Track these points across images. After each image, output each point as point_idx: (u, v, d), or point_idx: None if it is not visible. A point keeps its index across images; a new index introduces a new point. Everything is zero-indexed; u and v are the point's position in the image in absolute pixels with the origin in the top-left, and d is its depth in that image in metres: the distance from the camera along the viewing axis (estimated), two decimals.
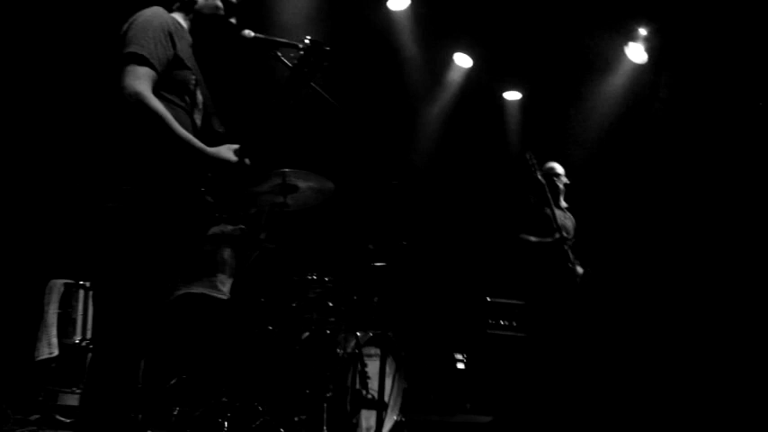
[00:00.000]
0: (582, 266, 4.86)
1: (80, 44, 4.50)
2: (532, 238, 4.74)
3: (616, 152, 6.47)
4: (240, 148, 2.43)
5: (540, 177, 4.81)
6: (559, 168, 5.05)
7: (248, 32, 2.69)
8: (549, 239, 4.69)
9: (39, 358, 4.07)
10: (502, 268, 6.10)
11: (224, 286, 4.59)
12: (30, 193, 4.62)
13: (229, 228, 4.69)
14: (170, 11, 2.58)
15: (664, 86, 6.23)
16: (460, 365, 6.53)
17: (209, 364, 4.17)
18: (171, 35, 2.42)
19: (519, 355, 5.94)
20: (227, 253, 4.59)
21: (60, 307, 4.20)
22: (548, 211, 4.75)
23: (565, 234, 4.75)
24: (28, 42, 4.57)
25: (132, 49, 2.31)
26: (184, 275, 4.34)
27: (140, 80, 2.28)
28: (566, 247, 4.69)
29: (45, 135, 4.65)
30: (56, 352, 4.09)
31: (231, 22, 2.65)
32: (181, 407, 4.11)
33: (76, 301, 4.26)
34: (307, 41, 2.50)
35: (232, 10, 2.66)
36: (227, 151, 2.43)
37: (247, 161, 2.41)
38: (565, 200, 5.08)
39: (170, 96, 2.42)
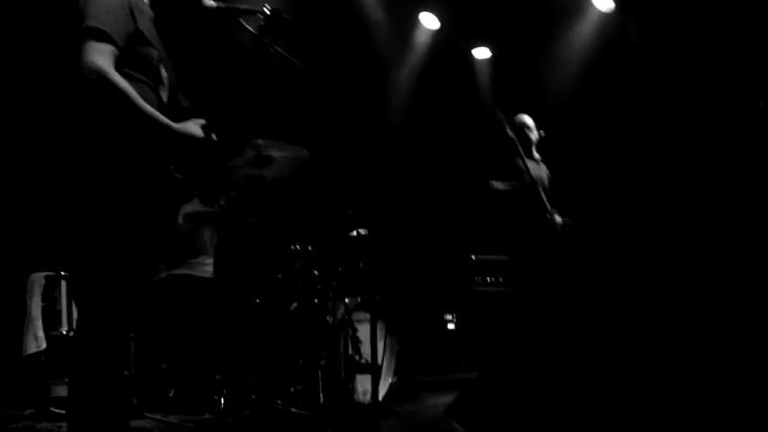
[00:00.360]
0: (561, 216, 4.89)
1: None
2: (502, 185, 4.74)
3: (590, 101, 6.49)
4: (207, 123, 2.39)
5: (510, 133, 4.78)
6: (530, 121, 5.02)
7: (210, 2, 2.62)
8: (518, 184, 4.67)
9: (27, 353, 4.04)
10: (484, 225, 6.12)
11: (207, 265, 4.57)
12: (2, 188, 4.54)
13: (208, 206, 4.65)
14: None
15: (632, 32, 6.23)
16: (451, 325, 6.59)
17: (200, 343, 4.16)
18: (131, 9, 2.34)
19: (506, 311, 6.01)
20: (207, 232, 4.56)
21: (43, 300, 4.15)
22: (519, 161, 4.74)
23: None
24: None
25: (91, 23, 2.22)
26: (166, 257, 4.32)
27: (101, 56, 2.19)
28: (540, 194, 4.70)
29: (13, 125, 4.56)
30: (43, 345, 4.05)
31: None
32: (176, 388, 4.12)
33: (59, 292, 4.22)
34: (266, 10, 2.46)
35: None
36: (193, 126, 2.39)
37: (214, 136, 2.37)
38: (538, 152, 5.09)
39: (133, 73, 2.33)
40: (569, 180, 5.51)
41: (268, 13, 2.47)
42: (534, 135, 5.00)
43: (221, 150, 2.46)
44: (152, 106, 2.33)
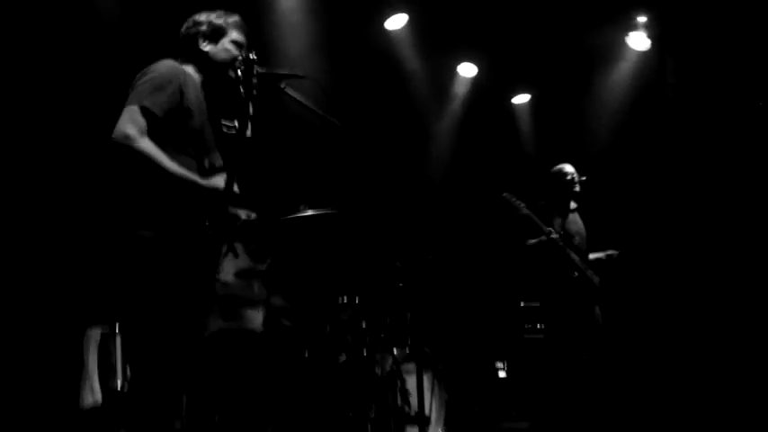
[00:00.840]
0: (592, 270, 4.89)
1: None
2: (532, 241, 4.81)
3: (633, 143, 6.45)
4: (228, 176, 2.49)
5: (524, 211, 4.79)
6: (570, 169, 5.03)
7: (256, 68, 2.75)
8: (543, 238, 4.74)
9: (83, 406, 4.14)
10: (531, 272, 6.09)
11: (256, 320, 4.65)
12: (63, 248, 4.72)
13: (258, 263, 4.75)
14: (179, 61, 2.67)
15: (671, 71, 6.22)
16: (501, 373, 6.50)
17: (251, 396, 4.21)
18: (181, 87, 2.52)
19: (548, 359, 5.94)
20: (256, 286, 4.65)
21: (99, 355, 4.27)
22: (540, 224, 4.76)
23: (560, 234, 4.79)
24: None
25: (136, 98, 2.43)
26: (216, 312, 4.41)
27: (131, 125, 2.38)
28: (561, 245, 4.70)
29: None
30: (99, 398, 4.15)
31: (252, 59, 2.71)
32: None
33: (114, 347, 4.33)
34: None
35: (242, 48, 2.74)
36: (219, 180, 2.52)
37: (236, 188, 2.48)
38: (577, 200, 5.09)
39: (179, 146, 2.50)
40: (610, 222, 5.48)
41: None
42: (575, 182, 4.97)
43: (245, 200, 2.58)
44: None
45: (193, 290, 2.51)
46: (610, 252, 5.03)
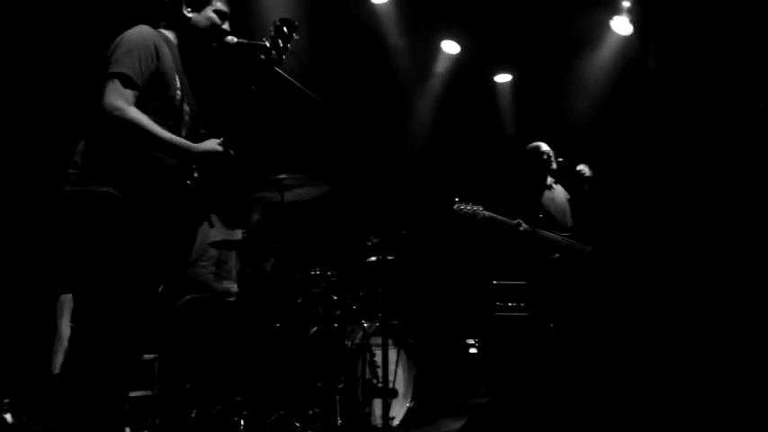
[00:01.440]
0: (576, 241, 4.94)
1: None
2: (551, 236, 4.80)
3: (611, 126, 6.51)
4: (223, 140, 2.54)
5: (484, 215, 4.75)
6: (546, 148, 5.07)
7: (231, 38, 2.75)
8: (561, 239, 4.80)
9: (56, 371, 4.16)
10: (505, 251, 6.15)
11: (230, 290, 4.68)
12: (34, 211, 4.72)
13: (233, 233, 4.77)
14: (156, 27, 2.65)
15: (653, 57, 6.26)
16: (473, 350, 6.60)
17: (222, 365, 4.25)
18: (156, 52, 2.52)
19: (526, 336, 6.02)
20: (231, 258, 4.67)
21: (72, 320, 4.28)
22: (501, 220, 4.76)
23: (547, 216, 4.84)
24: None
25: (116, 68, 2.42)
26: (190, 282, 4.43)
27: (120, 96, 2.39)
28: (531, 232, 4.75)
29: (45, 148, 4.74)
30: None
31: (225, 31, 2.71)
32: (198, 408, 4.21)
33: None
34: (276, 22, 2.64)
35: (224, 19, 2.74)
36: (211, 143, 2.54)
37: (231, 151, 2.52)
38: (556, 176, 5.13)
39: (155, 113, 2.50)
40: (588, 204, 5.54)
41: (278, 23, 2.65)
42: (552, 162, 5.03)
43: (240, 165, 2.59)
44: None
45: (166, 253, 2.55)
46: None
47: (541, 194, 5.01)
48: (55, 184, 2.56)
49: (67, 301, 4.36)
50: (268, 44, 2.68)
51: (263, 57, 2.76)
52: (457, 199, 4.71)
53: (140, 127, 2.41)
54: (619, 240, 5.84)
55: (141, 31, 2.55)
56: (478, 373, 6.51)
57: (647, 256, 5.96)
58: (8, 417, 3.83)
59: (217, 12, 2.71)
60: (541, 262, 4.86)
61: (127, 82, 2.42)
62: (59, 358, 4.24)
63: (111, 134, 2.44)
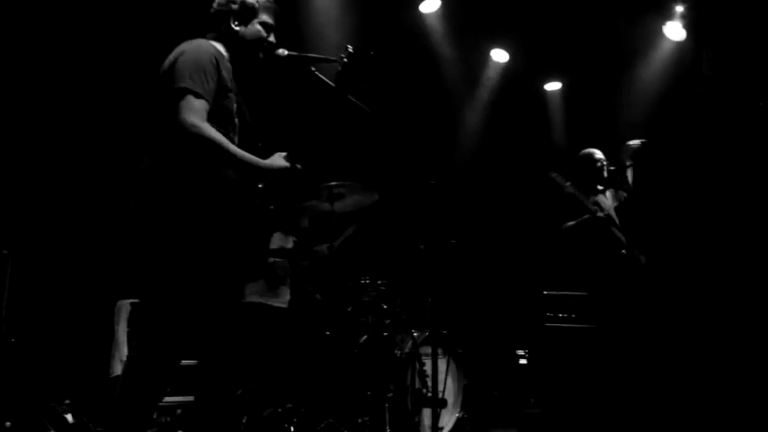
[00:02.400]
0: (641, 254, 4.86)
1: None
2: (571, 223, 4.77)
3: (663, 132, 6.37)
4: (289, 154, 2.58)
5: (569, 189, 4.75)
6: (599, 154, 5.01)
7: (282, 51, 2.79)
8: (588, 216, 4.71)
9: (113, 375, 4.28)
10: (556, 260, 6.08)
11: (284, 296, 4.74)
12: (96, 223, 4.89)
13: (288, 240, 4.84)
14: (208, 38, 2.71)
15: (707, 63, 6.12)
16: (522, 360, 6.53)
17: (273, 372, 4.31)
18: (217, 66, 2.58)
19: (580, 348, 5.92)
20: (284, 264, 4.73)
21: (129, 326, 4.40)
22: (586, 202, 4.73)
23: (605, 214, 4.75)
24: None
25: (185, 84, 2.48)
26: (245, 287, 4.51)
27: (196, 113, 2.45)
28: (612, 229, 4.69)
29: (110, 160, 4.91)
30: None
31: (272, 43, 2.76)
32: (248, 415, 4.27)
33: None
34: (350, 50, 2.64)
35: (270, 31, 2.78)
36: (278, 159, 2.59)
37: (298, 165, 2.56)
38: (608, 184, 5.07)
39: (217, 126, 2.55)
40: (644, 212, 5.44)
41: (351, 51, 2.65)
42: (603, 168, 4.96)
43: (305, 180, 2.64)
44: None
45: (240, 264, 2.65)
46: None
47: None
48: (119, 196, 2.64)
49: (124, 306, 4.49)
50: (339, 67, 2.69)
51: (313, 69, 2.81)
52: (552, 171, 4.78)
53: (216, 143, 2.47)
54: (674, 250, 5.71)
55: (202, 46, 2.62)
56: (528, 384, 6.43)
57: (703, 267, 5.81)
58: (69, 417, 3.96)
59: (263, 24, 2.75)
60: (607, 261, 4.77)
61: (198, 98, 2.48)
62: (116, 362, 4.36)
63: (187, 150, 2.49)
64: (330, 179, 3.86)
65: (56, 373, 4.37)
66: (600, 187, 5.02)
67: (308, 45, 2.89)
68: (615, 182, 5.09)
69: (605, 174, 4.99)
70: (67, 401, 4.07)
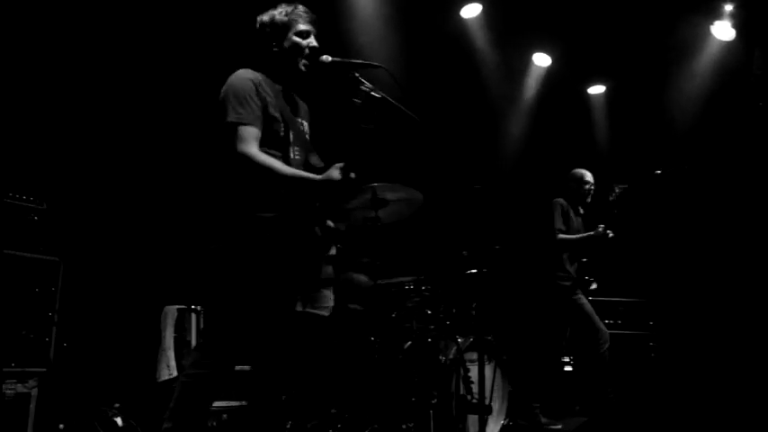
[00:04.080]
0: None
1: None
2: (570, 237, 5.08)
3: (714, 137, 6.23)
4: (344, 165, 2.61)
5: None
6: (588, 176, 5.31)
7: (326, 57, 2.81)
8: (592, 233, 5.03)
9: (160, 379, 4.34)
10: (602, 267, 5.99)
11: (327, 302, 4.75)
12: (144, 231, 4.99)
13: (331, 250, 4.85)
14: (257, 68, 2.80)
15: (757, 62, 5.96)
16: (568, 368, 6.43)
17: (318, 377, 4.32)
18: (257, 91, 2.69)
19: (622, 355, 5.83)
20: (329, 271, 4.74)
21: (176, 331, 4.46)
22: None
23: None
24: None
25: (233, 118, 2.63)
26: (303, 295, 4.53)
27: (247, 142, 2.61)
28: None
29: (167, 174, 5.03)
30: (175, 373, 4.34)
31: (314, 47, 2.80)
32: (293, 420, 4.29)
33: (189, 324, 4.51)
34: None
35: (308, 36, 2.83)
36: (333, 171, 2.62)
37: (352, 174, 2.60)
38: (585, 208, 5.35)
39: (267, 150, 2.68)
40: (690, 214, 5.36)
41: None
42: (589, 193, 5.27)
43: (355, 188, 2.69)
44: None
45: (301, 274, 2.82)
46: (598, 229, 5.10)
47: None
48: (168, 203, 2.73)
49: (171, 312, 4.55)
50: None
51: (357, 74, 2.82)
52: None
53: (268, 167, 2.60)
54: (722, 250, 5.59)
55: (239, 75, 2.73)
56: (573, 392, 6.33)
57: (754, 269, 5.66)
58: (118, 420, 4.04)
59: (299, 33, 2.81)
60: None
61: (245, 126, 2.62)
62: (163, 366, 4.43)
63: (246, 177, 2.65)
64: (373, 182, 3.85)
65: (106, 377, 4.45)
66: (581, 210, 5.29)
67: (351, 54, 2.89)
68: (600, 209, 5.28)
69: (588, 199, 5.30)
70: (117, 405, 4.15)
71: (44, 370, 3.72)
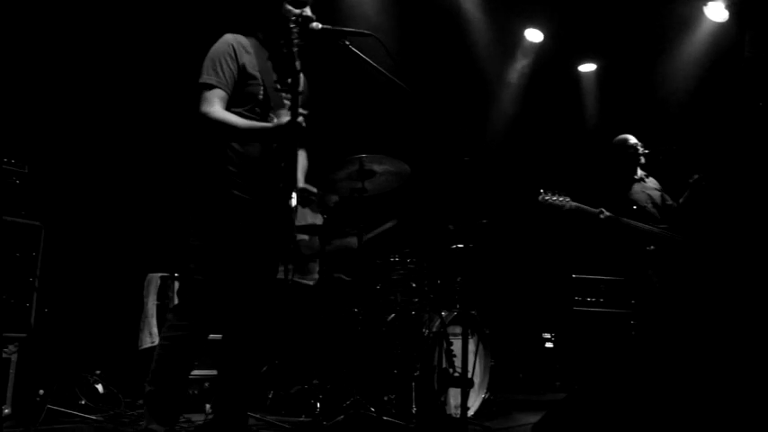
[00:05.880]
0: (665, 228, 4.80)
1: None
2: (640, 225, 4.70)
3: (704, 117, 6.23)
4: (291, 111, 2.64)
5: (570, 206, 4.64)
6: (633, 140, 4.95)
7: (316, 24, 2.77)
8: (657, 230, 4.70)
9: (142, 347, 4.33)
10: (586, 245, 6.01)
11: (312, 273, 4.75)
12: (127, 198, 4.94)
13: (317, 217, 4.83)
14: (248, 34, 2.85)
15: (749, 44, 5.94)
16: (549, 344, 6.49)
17: (300, 348, 4.33)
18: (235, 53, 2.76)
19: (605, 331, 5.87)
20: (314, 241, 4.73)
21: (158, 298, 4.45)
22: (587, 210, 4.66)
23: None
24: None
25: (202, 79, 2.74)
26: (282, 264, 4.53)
27: (209, 103, 2.70)
28: (616, 219, 4.63)
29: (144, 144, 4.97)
30: (157, 341, 4.32)
31: (307, 17, 2.76)
32: (275, 390, 4.30)
33: (172, 292, 4.50)
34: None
35: (302, 5, 2.81)
36: (282, 118, 2.69)
37: (300, 119, 2.61)
38: (645, 168, 4.99)
39: (241, 109, 2.76)
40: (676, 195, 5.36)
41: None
42: (639, 154, 4.89)
43: (307, 133, 2.71)
44: None
45: (272, 243, 2.84)
46: (693, 180, 4.87)
47: (630, 187, 4.88)
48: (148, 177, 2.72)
49: (154, 280, 4.53)
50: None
51: (347, 42, 2.79)
52: (542, 190, 4.60)
53: (222, 121, 2.68)
54: (716, 234, 5.60)
55: (223, 39, 2.82)
56: (554, 368, 6.40)
57: (743, 250, 5.69)
58: (99, 387, 4.03)
59: (292, 2, 2.82)
60: (635, 256, 4.73)
61: (210, 88, 2.72)
62: (145, 334, 4.41)
63: (207, 137, 2.78)
64: (360, 152, 3.82)
65: (87, 343, 4.43)
66: (640, 173, 4.96)
67: (344, 23, 2.86)
68: (653, 165, 5.02)
69: (642, 159, 4.92)
70: (98, 372, 4.14)
71: (24, 335, 3.69)
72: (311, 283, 4.65)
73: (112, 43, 4.83)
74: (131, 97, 4.94)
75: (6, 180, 3.76)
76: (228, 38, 2.81)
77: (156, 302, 4.48)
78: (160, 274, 4.52)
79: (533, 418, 4.31)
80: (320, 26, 2.77)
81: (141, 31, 4.89)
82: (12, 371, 3.61)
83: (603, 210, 4.62)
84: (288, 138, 2.66)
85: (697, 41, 6.25)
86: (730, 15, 5.94)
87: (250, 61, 2.79)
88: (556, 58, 6.76)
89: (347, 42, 2.79)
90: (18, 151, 3.90)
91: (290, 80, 2.76)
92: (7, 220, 3.68)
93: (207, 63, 2.76)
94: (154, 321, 4.43)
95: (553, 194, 4.60)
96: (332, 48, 2.80)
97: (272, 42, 2.87)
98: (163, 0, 4.92)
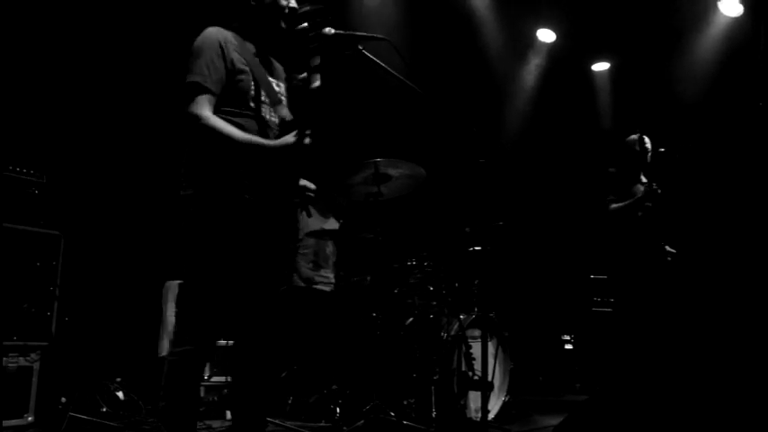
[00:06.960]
0: (671, 246, 4.75)
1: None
2: (621, 204, 4.69)
3: (720, 114, 6.18)
4: (298, 131, 2.55)
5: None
6: (645, 140, 4.89)
7: (329, 30, 2.76)
8: (639, 195, 4.64)
9: (162, 354, 4.35)
10: (603, 245, 5.97)
11: (328, 279, 4.75)
12: (146, 206, 4.97)
13: (326, 221, 4.84)
14: (230, 28, 2.71)
15: (765, 38, 5.88)
16: (568, 345, 6.45)
17: (319, 353, 4.33)
18: (222, 49, 2.60)
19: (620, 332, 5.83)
20: (329, 247, 4.74)
21: (177, 306, 4.46)
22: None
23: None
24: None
25: (189, 78, 2.56)
26: (289, 271, 4.53)
27: (198, 105, 2.52)
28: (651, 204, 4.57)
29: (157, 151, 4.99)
30: None
31: (294, 9, 2.72)
32: (294, 396, 4.31)
33: None
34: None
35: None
36: (286, 137, 2.57)
37: (307, 140, 2.53)
38: (655, 169, 4.97)
39: (231, 108, 2.61)
40: (694, 193, 5.31)
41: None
42: (647, 157, 4.84)
43: (314, 154, 2.61)
44: (253, 132, 2.60)
45: (273, 248, 2.69)
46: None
47: (633, 186, 4.86)
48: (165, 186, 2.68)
49: (172, 287, 4.56)
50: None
51: (360, 47, 2.77)
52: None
53: (218, 131, 2.52)
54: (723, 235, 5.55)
55: (205, 35, 2.65)
56: (574, 370, 6.36)
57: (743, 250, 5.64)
58: (120, 394, 4.06)
59: None
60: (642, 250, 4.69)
61: (200, 89, 2.54)
62: (165, 341, 4.44)
63: (198, 140, 2.60)
64: (375, 156, 3.82)
65: (107, 351, 4.46)
66: (644, 180, 4.92)
67: (356, 29, 2.84)
68: (664, 166, 4.97)
69: (648, 160, 4.86)
70: (119, 379, 4.17)
71: (46, 344, 3.72)
72: (328, 289, 4.66)
73: (127, 51, 4.86)
74: (149, 107, 4.96)
75: (25, 190, 3.80)
76: (213, 32, 2.65)
77: (174, 310, 4.49)
78: (178, 282, 4.54)
79: (554, 421, 4.28)
80: (333, 31, 2.75)
81: (149, 36, 4.91)
82: (34, 379, 3.64)
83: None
84: (289, 158, 2.56)
85: (711, 37, 6.20)
86: (745, 9, 5.89)
87: (237, 56, 2.65)
88: (569, 57, 6.73)
89: (361, 47, 2.78)
90: (36, 161, 3.95)
91: (302, 81, 2.67)
92: (27, 229, 3.72)
93: (192, 61, 2.59)
94: (172, 329, 4.45)
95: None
96: (345, 52, 2.79)
97: (256, 35, 2.77)
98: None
